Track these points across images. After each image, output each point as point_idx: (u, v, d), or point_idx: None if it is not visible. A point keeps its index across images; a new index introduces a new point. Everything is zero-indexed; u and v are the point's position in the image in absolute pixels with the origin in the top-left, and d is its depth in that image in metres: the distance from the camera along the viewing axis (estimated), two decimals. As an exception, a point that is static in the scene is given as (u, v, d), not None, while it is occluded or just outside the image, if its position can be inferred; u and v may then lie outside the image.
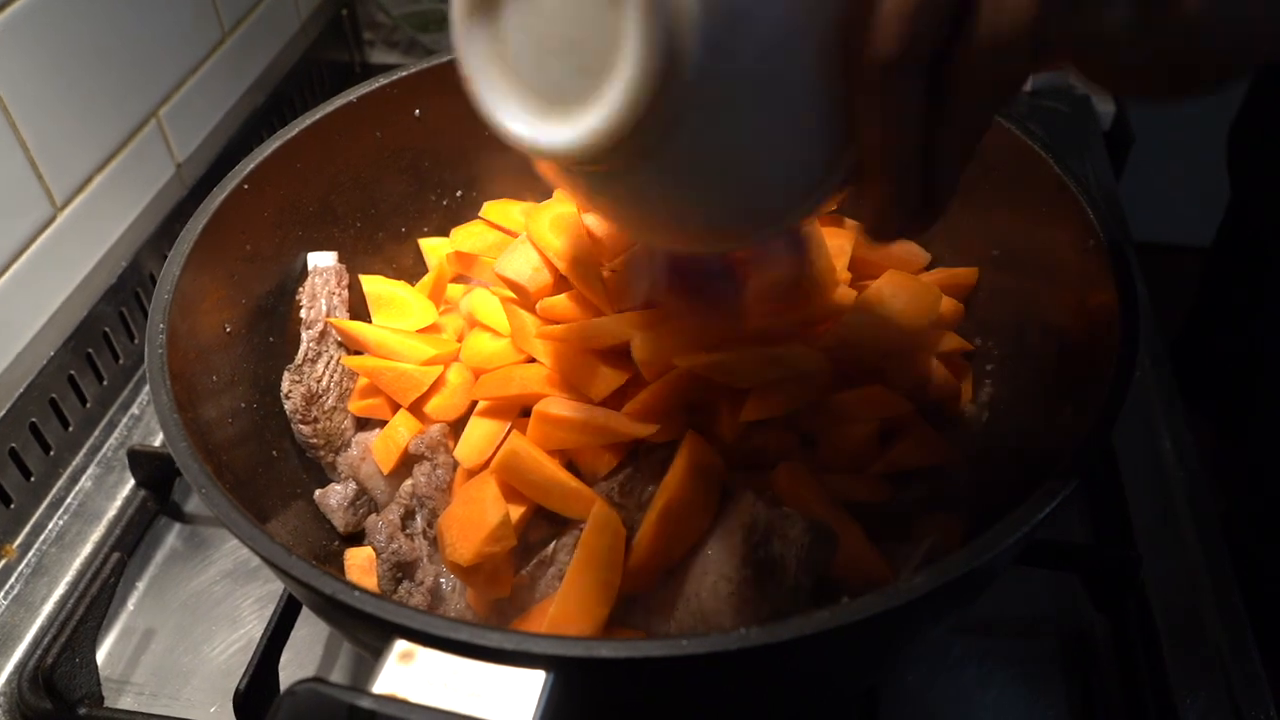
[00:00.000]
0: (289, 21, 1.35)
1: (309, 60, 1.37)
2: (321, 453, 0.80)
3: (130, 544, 0.88)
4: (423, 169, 0.93)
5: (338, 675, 0.82)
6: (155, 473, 0.91)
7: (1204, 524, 0.88)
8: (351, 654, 0.83)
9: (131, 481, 0.93)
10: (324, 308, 0.82)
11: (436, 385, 0.78)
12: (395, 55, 1.55)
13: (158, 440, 0.98)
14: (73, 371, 0.96)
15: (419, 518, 0.74)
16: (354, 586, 0.50)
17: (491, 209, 0.93)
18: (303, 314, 0.82)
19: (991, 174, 0.82)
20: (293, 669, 0.80)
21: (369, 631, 0.52)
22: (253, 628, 0.85)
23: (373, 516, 0.76)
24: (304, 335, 0.81)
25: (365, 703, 0.45)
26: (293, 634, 0.77)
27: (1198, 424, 1.02)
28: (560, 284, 0.81)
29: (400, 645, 0.48)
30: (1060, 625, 0.83)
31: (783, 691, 0.58)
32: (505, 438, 0.73)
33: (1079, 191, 0.72)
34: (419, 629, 0.48)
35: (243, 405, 0.76)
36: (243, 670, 0.72)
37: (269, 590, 0.87)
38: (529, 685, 0.47)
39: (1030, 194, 0.78)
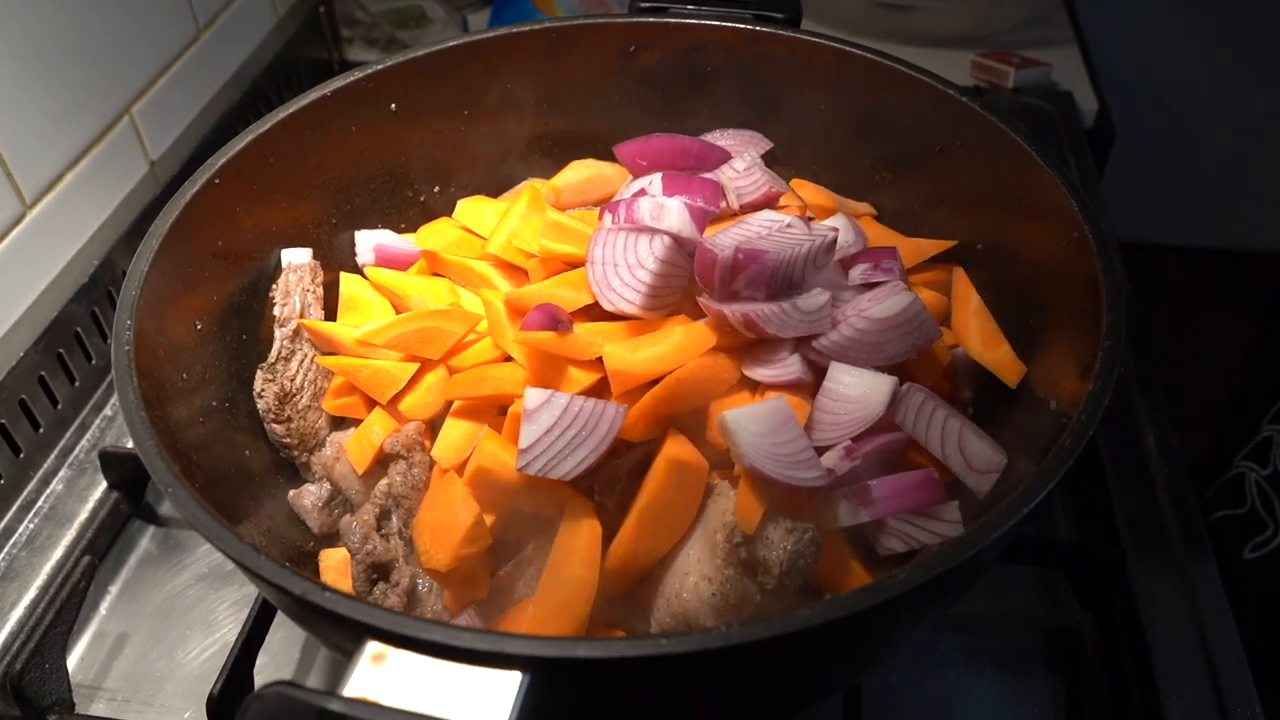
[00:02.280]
0: (265, 17, 1.34)
1: (286, 57, 1.35)
2: (295, 452, 0.79)
3: (102, 547, 0.87)
4: (398, 164, 0.92)
5: (314, 679, 0.80)
6: (128, 475, 0.89)
7: (1189, 521, 0.88)
8: (329, 657, 0.81)
9: (104, 484, 0.91)
10: (298, 305, 0.80)
11: (412, 383, 0.77)
12: (374, 52, 1.53)
13: (131, 442, 0.96)
14: (43, 372, 0.94)
15: (395, 518, 0.73)
16: (324, 587, 0.49)
17: (465, 206, 0.92)
18: (276, 311, 0.80)
19: (975, 168, 0.82)
20: (269, 672, 0.79)
21: (340, 633, 0.51)
22: (228, 631, 0.84)
23: (347, 517, 0.74)
24: (277, 333, 0.80)
25: (335, 705, 0.44)
26: (269, 637, 0.76)
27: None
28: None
29: (372, 647, 0.47)
30: (1046, 622, 0.83)
31: (765, 691, 0.57)
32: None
33: (1063, 184, 0.72)
34: (390, 630, 0.47)
35: (214, 404, 0.74)
36: (217, 674, 0.71)
37: (245, 593, 0.86)
38: (505, 687, 0.46)
39: (1014, 188, 0.78)
